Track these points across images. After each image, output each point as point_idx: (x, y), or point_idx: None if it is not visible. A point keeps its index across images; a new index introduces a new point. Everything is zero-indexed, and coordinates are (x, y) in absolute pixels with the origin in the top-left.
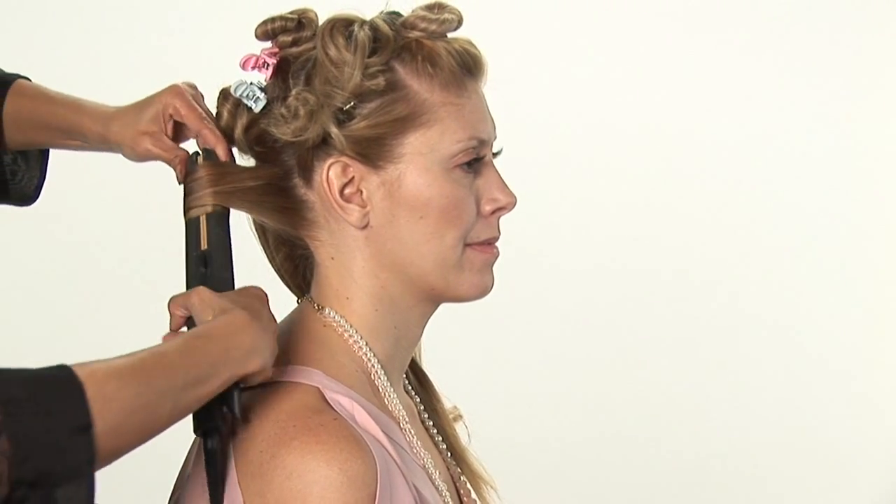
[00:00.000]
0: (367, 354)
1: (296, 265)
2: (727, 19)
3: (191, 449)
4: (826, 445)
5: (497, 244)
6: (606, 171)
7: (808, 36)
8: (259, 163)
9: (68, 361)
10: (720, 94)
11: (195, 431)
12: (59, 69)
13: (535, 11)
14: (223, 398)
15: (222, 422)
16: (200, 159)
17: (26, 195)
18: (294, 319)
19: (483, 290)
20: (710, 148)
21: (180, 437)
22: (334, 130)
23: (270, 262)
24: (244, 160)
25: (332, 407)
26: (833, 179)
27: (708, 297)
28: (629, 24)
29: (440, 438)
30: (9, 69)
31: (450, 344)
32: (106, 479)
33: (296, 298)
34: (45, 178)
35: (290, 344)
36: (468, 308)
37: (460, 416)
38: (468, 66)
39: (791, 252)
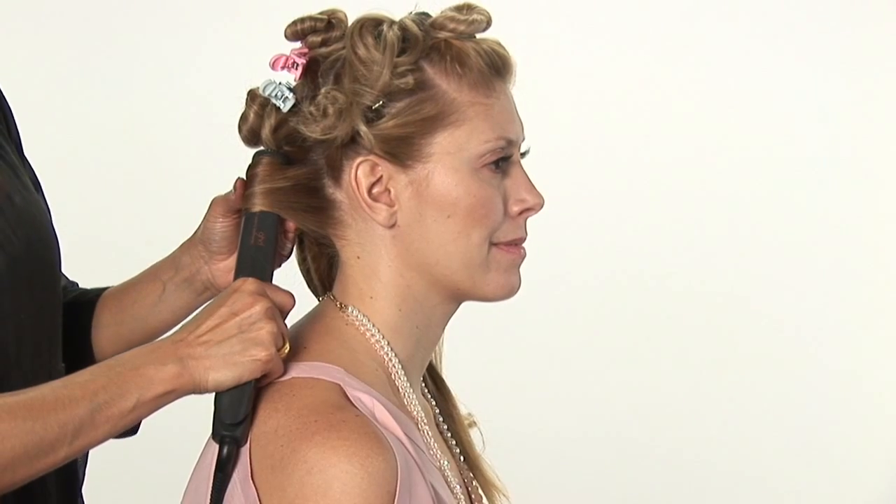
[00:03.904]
0: (388, 354)
1: (321, 264)
2: (731, 22)
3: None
4: (827, 446)
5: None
6: (610, 175)
7: (815, 37)
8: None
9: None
10: (722, 96)
11: (213, 438)
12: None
13: (553, 15)
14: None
15: (242, 434)
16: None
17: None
18: (315, 317)
19: (509, 291)
20: (713, 152)
21: (194, 434)
22: (363, 129)
23: (297, 257)
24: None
25: (353, 404)
26: (836, 182)
27: (710, 300)
28: (632, 28)
29: (454, 443)
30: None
31: (466, 351)
32: (122, 476)
33: (313, 297)
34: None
35: (310, 341)
36: (486, 315)
37: (475, 423)
38: (496, 67)
39: (792, 254)
